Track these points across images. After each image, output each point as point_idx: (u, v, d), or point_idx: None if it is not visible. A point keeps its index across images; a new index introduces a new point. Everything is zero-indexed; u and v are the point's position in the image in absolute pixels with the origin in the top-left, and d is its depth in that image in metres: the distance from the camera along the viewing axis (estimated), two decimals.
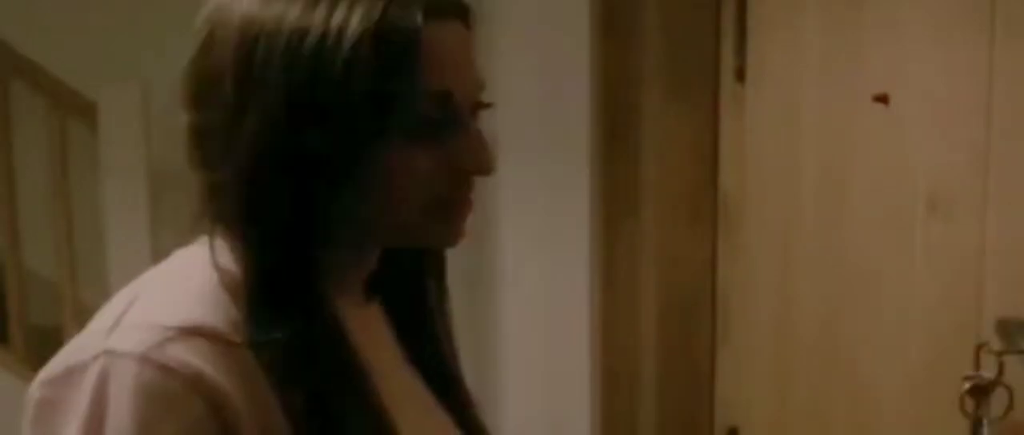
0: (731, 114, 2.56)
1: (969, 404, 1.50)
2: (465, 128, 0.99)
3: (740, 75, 2.51)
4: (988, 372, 1.50)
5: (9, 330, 3.43)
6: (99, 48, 3.68)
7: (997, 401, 1.49)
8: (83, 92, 3.43)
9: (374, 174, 0.96)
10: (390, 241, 1.06)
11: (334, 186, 0.95)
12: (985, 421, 1.49)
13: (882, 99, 1.90)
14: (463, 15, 1.02)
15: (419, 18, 0.94)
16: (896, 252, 1.89)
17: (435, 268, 1.18)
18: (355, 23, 0.92)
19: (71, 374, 0.91)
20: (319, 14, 0.93)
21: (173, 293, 0.97)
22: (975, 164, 1.68)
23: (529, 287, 2.97)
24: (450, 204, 1.01)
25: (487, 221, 3.22)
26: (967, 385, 1.49)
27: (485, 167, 1.00)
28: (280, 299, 0.95)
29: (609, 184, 2.73)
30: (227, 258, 0.98)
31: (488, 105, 1.03)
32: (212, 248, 0.98)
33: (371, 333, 1.09)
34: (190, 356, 0.90)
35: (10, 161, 3.41)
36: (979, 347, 1.54)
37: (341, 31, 0.92)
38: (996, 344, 1.55)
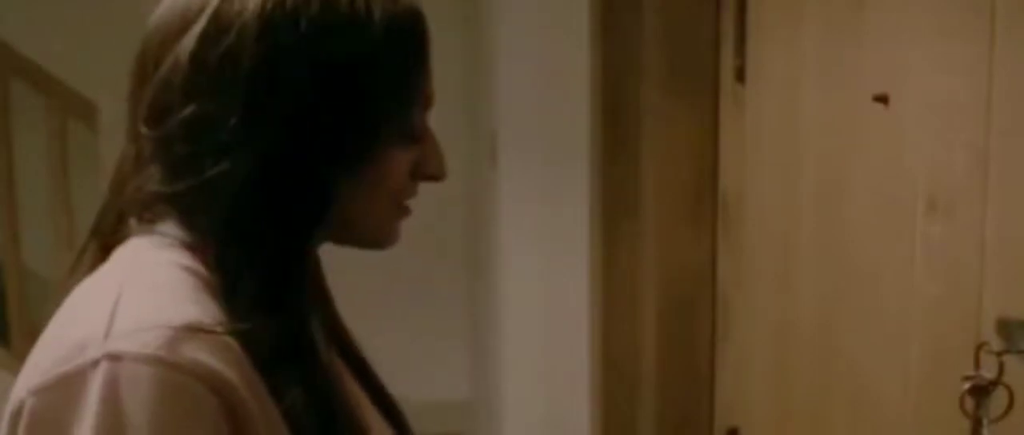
0: (731, 114, 2.56)
1: (969, 404, 1.50)
2: (427, 133, 1.02)
3: (740, 75, 2.51)
4: (988, 372, 1.50)
5: (9, 330, 3.43)
6: (99, 48, 3.68)
7: (997, 401, 1.49)
8: (83, 92, 3.43)
9: (374, 172, 0.97)
10: (346, 239, 1.05)
11: (342, 182, 0.96)
12: (985, 421, 1.49)
13: (882, 99, 1.90)
14: None
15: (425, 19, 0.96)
16: (896, 252, 1.89)
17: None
18: (379, 16, 0.93)
19: (69, 382, 0.88)
20: (342, 6, 0.93)
21: (159, 292, 0.95)
22: (975, 164, 1.68)
23: (529, 287, 2.97)
24: (404, 207, 1.04)
25: (487, 221, 3.22)
26: (967, 385, 1.49)
27: (442, 173, 1.04)
28: (269, 293, 0.96)
29: (609, 184, 2.73)
30: (184, 255, 0.97)
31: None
32: (196, 249, 0.98)
33: (320, 340, 1.10)
34: (201, 354, 0.89)
35: (10, 161, 3.41)
36: (979, 347, 1.54)
37: (367, 24, 0.92)
38: (996, 344, 1.55)
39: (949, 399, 1.52)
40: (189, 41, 0.95)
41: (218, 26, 0.94)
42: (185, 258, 0.97)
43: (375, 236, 1.05)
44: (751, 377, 2.54)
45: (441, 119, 3.71)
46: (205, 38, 0.94)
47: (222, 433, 0.89)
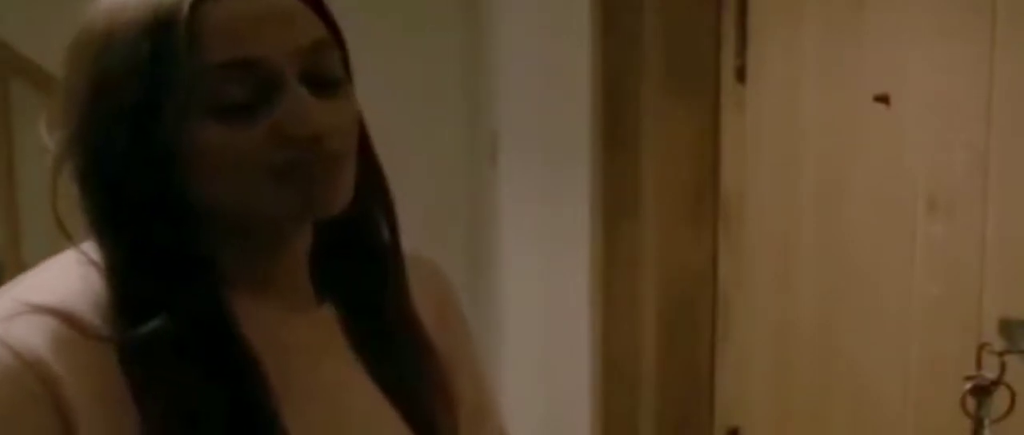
0: (732, 114, 2.56)
1: (971, 404, 1.50)
2: (283, 94, 0.96)
3: (741, 75, 2.51)
4: (990, 372, 1.49)
5: None
6: None
7: (999, 401, 1.49)
8: None
9: (192, 156, 0.96)
10: (259, 221, 1.03)
11: (156, 174, 0.96)
12: (986, 421, 1.49)
13: (883, 99, 1.90)
14: None
15: None
16: (896, 252, 1.89)
17: (386, 267, 1.14)
18: (131, 15, 0.96)
19: None
20: (115, 17, 0.97)
21: (50, 277, 1.00)
22: (976, 163, 1.68)
23: (529, 286, 2.97)
24: (298, 172, 0.98)
25: (488, 221, 3.21)
26: (969, 385, 1.49)
27: (314, 130, 0.97)
28: (139, 299, 0.96)
29: (609, 184, 2.73)
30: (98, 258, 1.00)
31: (332, 76, 1.01)
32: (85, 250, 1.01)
33: (307, 339, 1.08)
34: (34, 336, 0.92)
35: (11, 160, 3.41)
36: (981, 347, 1.54)
37: (125, 26, 0.96)
38: (998, 344, 1.55)
39: (950, 399, 1.52)
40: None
41: (65, 62, 1.02)
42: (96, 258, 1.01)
43: (277, 208, 1.00)
44: (752, 377, 2.54)
45: (441, 119, 3.73)
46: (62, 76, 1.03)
47: (35, 417, 0.90)
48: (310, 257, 1.10)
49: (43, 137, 1.03)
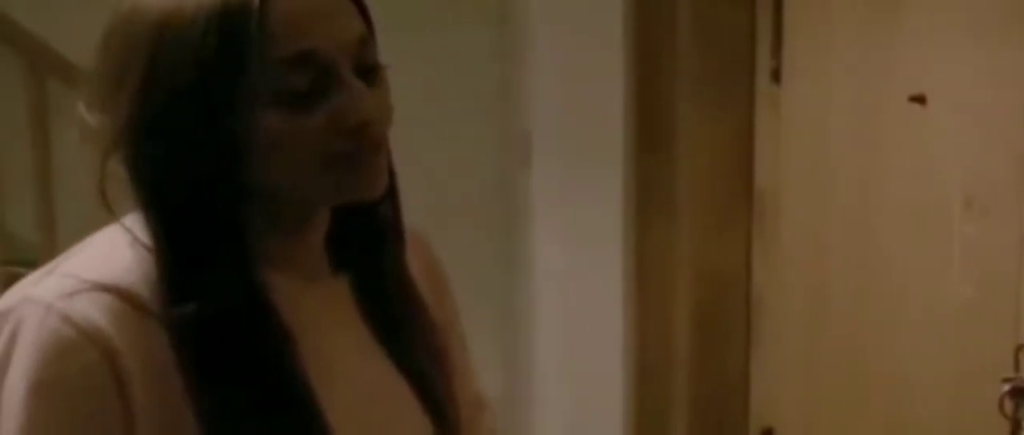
0: (766, 114, 2.55)
1: (1008, 406, 1.49)
2: (341, 85, 1.00)
3: (776, 76, 2.50)
4: None
5: None
6: None
7: None
8: None
9: (255, 143, 0.98)
10: (307, 204, 1.07)
11: (219, 159, 0.98)
12: None
13: (919, 99, 1.89)
14: None
15: None
16: (931, 253, 1.88)
17: (391, 242, 1.18)
18: (196, 2, 0.97)
19: None
20: (173, 3, 0.98)
21: (109, 251, 1.01)
22: (1012, 164, 1.67)
23: (562, 286, 2.97)
24: (347, 158, 1.02)
25: (520, 221, 3.22)
26: (1007, 387, 1.48)
27: (365, 120, 1.01)
28: (188, 277, 0.99)
29: (643, 185, 2.73)
30: (145, 237, 1.01)
31: (380, 66, 1.04)
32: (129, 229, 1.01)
33: (324, 309, 1.11)
34: (93, 310, 0.95)
35: (48, 160, 3.43)
36: (1019, 348, 1.53)
37: (194, 12, 0.97)
38: None
39: (986, 400, 1.51)
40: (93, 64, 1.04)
41: (103, 45, 1.02)
42: (144, 236, 1.02)
43: (325, 194, 1.05)
44: (785, 377, 2.53)
45: (474, 119, 3.71)
46: (97, 60, 1.03)
47: (97, 392, 0.93)
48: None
49: (83, 117, 1.04)
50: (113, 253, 1.01)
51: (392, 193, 1.16)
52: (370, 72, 1.03)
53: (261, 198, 1.02)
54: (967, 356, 1.80)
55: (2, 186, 3.39)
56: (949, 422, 1.85)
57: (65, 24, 3.66)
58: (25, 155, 3.37)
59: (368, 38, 1.04)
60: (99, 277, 0.97)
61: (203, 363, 0.97)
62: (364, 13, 1.05)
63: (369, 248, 1.16)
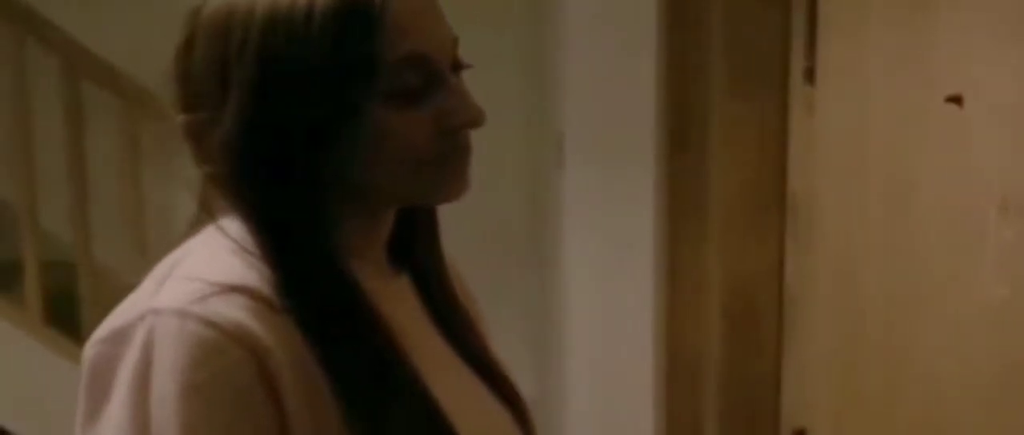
0: (800, 116, 2.54)
1: None
2: (445, 85, 1.03)
3: (809, 76, 2.49)
4: None
5: (81, 330, 3.47)
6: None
7: None
8: (159, 94, 3.46)
9: (363, 139, 1.00)
10: (395, 202, 1.09)
11: (323, 155, 0.99)
12: None
13: (956, 100, 1.88)
14: None
15: None
16: (966, 255, 1.87)
17: (438, 240, 1.21)
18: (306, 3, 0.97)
19: (119, 335, 0.98)
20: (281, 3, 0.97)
21: (215, 257, 1.02)
22: None
23: (594, 287, 2.97)
24: (444, 159, 1.05)
25: (553, 221, 3.22)
26: None
27: (471, 120, 1.04)
28: (298, 270, 1.00)
29: (675, 185, 2.73)
30: (244, 238, 1.02)
31: (467, 66, 1.07)
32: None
33: (398, 303, 1.12)
34: (231, 310, 0.95)
35: (83, 160, 3.45)
36: None
37: (309, 8, 0.97)
38: None
39: (1022, 403, 1.50)
40: (173, 58, 1.05)
41: (187, 39, 1.03)
42: (240, 239, 1.03)
43: (419, 193, 1.07)
44: (818, 378, 2.52)
45: (507, 119, 3.73)
46: (178, 53, 1.04)
47: (249, 389, 0.94)
48: None
49: (173, 119, 1.04)
50: (221, 256, 1.02)
51: None
52: (457, 73, 1.06)
53: (358, 196, 1.04)
54: (1003, 357, 1.79)
55: (37, 185, 3.42)
56: (985, 423, 1.84)
57: (101, 25, 3.69)
58: (60, 155, 3.40)
59: (458, 40, 1.07)
60: (225, 279, 0.98)
61: (337, 355, 0.99)
62: None
63: (428, 248, 1.19)
